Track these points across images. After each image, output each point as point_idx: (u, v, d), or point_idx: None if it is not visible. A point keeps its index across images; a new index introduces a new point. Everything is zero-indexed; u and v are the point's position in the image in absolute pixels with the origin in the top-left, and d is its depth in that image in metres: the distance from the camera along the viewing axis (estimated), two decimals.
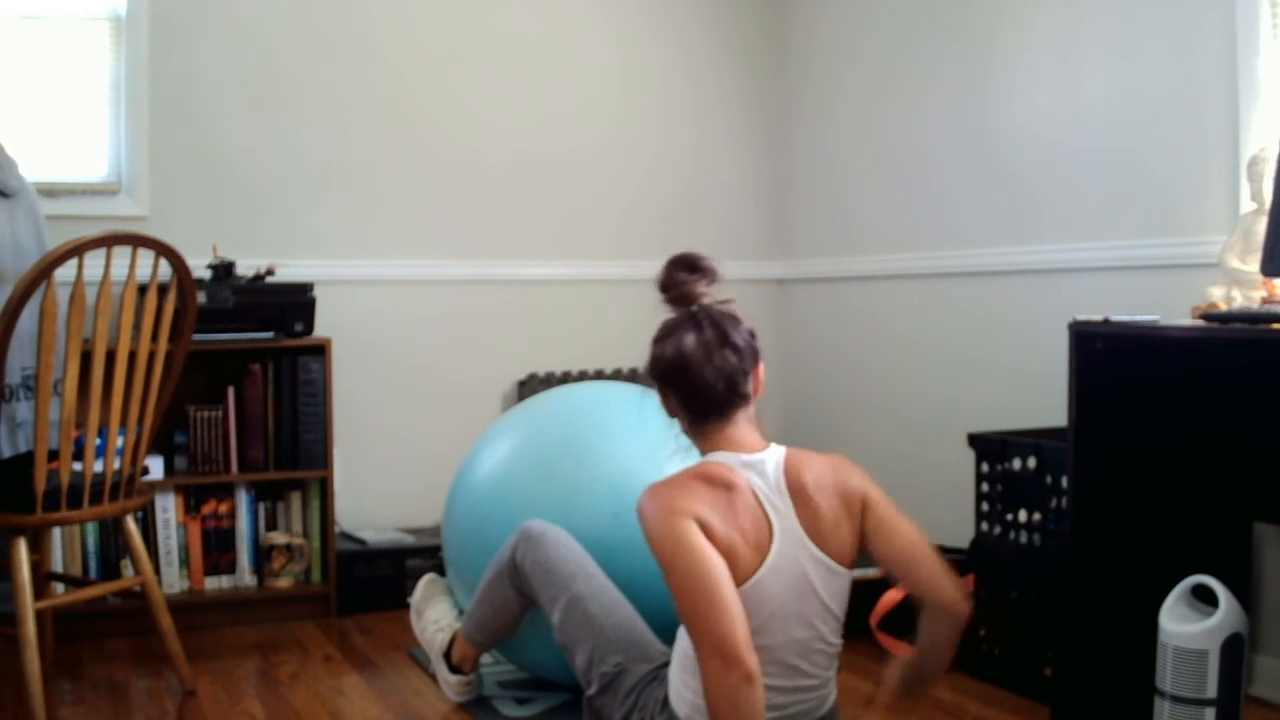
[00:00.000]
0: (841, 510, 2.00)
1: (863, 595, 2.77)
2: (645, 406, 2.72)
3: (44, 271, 2.41)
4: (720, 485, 1.95)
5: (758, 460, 2.00)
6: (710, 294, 2.08)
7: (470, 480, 2.70)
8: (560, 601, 2.30)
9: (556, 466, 2.56)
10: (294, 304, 3.37)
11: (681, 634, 2.00)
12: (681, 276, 2.07)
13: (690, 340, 2.01)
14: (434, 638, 2.70)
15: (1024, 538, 2.73)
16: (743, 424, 2.04)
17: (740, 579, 1.90)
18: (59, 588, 2.98)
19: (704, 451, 2.06)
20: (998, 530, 2.81)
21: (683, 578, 1.86)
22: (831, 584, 1.99)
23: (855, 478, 2.04)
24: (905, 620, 2.95)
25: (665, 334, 2.05)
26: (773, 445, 2.05)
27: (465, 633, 2.59)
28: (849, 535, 2.00)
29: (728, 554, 1.89)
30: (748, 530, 1.93)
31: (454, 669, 2.65)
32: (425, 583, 2.83)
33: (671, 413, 2.09)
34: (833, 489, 2.00)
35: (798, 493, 1.98)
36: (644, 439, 2.55)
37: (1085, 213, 3.11)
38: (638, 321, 4.09)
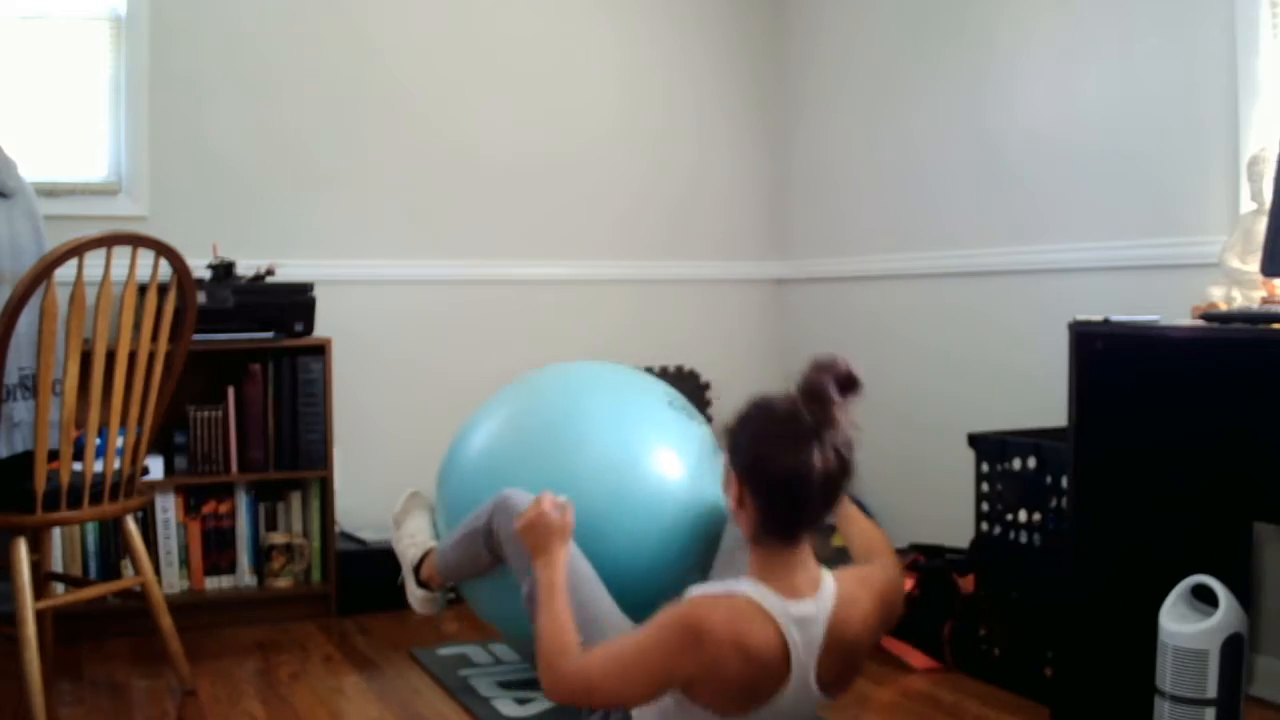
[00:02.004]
0: (877, 620, 2.01)
1: None
2: (635, 386, 2.75)
3: (44, 272, 2.41)
4: (756, 663, 1.84)
5: (806, 617, 1.88)
6: (848, 412, 1.90)
7: (459, 461, 2.71)
8: (531, 574, 2.32)
9: (544, 448, 2.56)
10: (294, 304, 3.37)
11: (662, 705, 1.95)
12: (832, 393, 1.91)
13: (816, 460, 1.83)
14: (407, 550, 2.76)
15: (1024, 538, 2.73)
16: (806, 549, 1.92)
17: (732, 711, 1.89)
18: (59, 588, 2.98)
19: (754, 567, 1.92)
20: (998, 530, 2.81)
21: (640, 666, 1.87)
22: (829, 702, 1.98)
23: (893, 590, 2.06)
24: (910, 622, 2.95)
25: (784, 435, 1.85)
26: (824, 577, 1.94)
27: (438, 566, 2.64)
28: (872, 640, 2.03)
29: (710, 701, 1.87)
30: (758, 689, 1.87)
31: (421, 584, 2.72)
32: (407, 496, 2.89)
33: (739, 504, 1.91)
34: (877, 618, 2.01)
35: (834, 644, 1.90)
36: (633, 417, 2.59)
37: (1085, 213, 3.11)
38: (638, 321, 4.12)
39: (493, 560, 2.47)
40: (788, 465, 1.83)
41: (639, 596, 2.32)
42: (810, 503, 1.85)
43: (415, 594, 2.74)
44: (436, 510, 2.81)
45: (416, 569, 2.73)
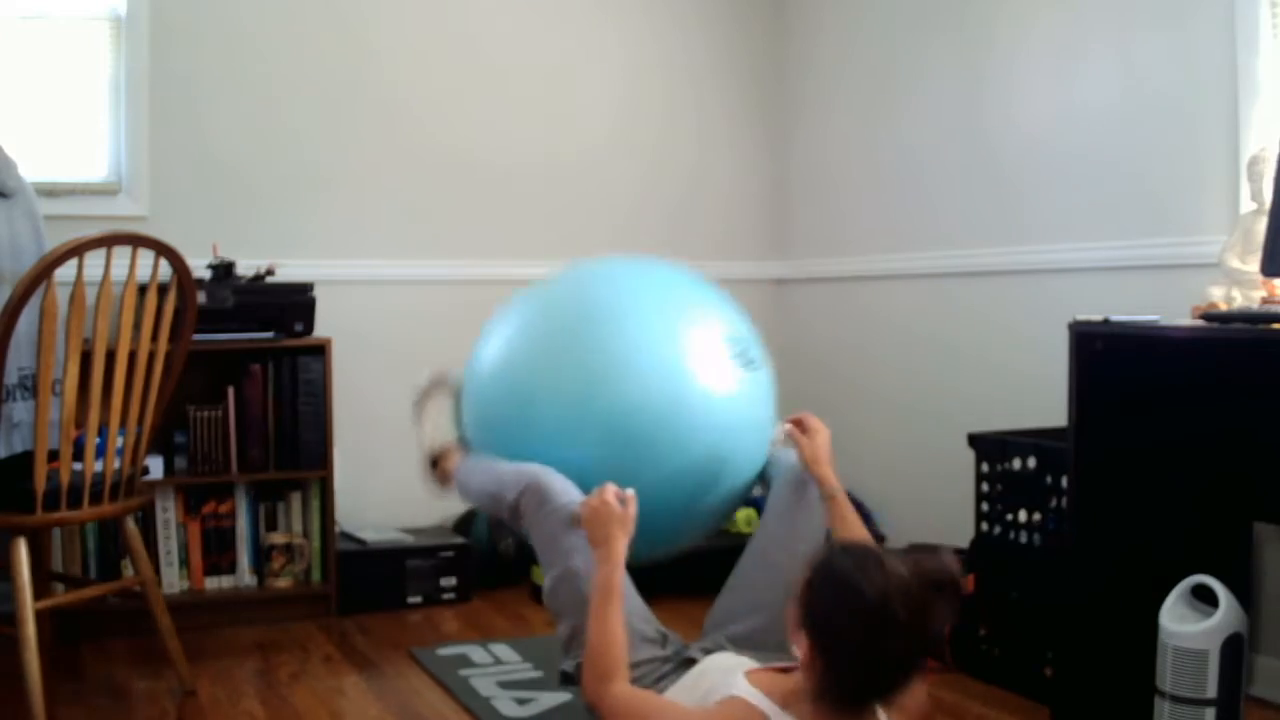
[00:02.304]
0: None
1: None
2: (658, 280, 2.54)
3: (44, 272, 2.41)
4: None
5: None
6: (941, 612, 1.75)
7: (478, 379, 2.51)
8: (555, 570, 2.28)
9: (567, 352, 2.35)
10: (294, 304, 3.37)
11: None
12: (930, 599, 1.71)
13: (898, 651, 1.69)
14: (425, 437, 2.72)
15: (1024, 538, 2.73)
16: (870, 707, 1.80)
17: None
18: (59, 588, 2.98)
19: (812, 716, 1.80)
20: (998, 530, 2.81)
21: None
22: None
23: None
24: None
25: (869, 626, 1.68)
26: None
27: (458, 490, 2.59)
28: None
29: None
30: None
31: (436, 473, 2.70)
32: (429, 379, 2.77)
33: (808, 664, 1.76)
34: None
35: None
36: (659, 313, 2.39)
37: (1085, 213, 3.11)
38: None
39: (515, 525, 2.43)
40: (868, 654, 1.70)
41: (664, 528, 2.25)
42: (885, 687, 1.74)
43: (429, 482, 2.72)
44: (461, 401, 2.64)
45: (434, 462, 2.69)
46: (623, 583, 2.10)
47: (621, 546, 2.11)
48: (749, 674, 1.94)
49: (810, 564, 1.79)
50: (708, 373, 2.35)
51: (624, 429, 2.28)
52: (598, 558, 2.12)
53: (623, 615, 2.06)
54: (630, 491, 2.18)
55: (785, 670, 1.96)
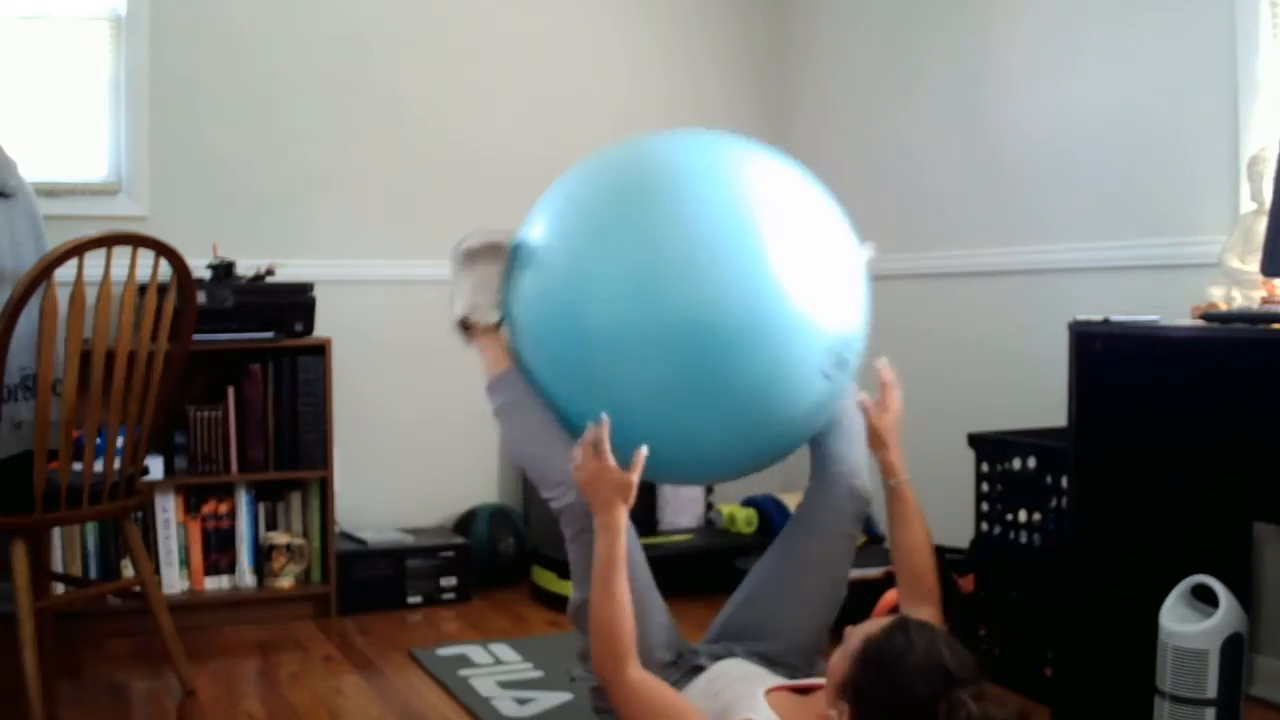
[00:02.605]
0: None
1: (863, 595, 2.77)
2: (722, 149, 2.33)
3: (44, 271, 2.41)
4: None
5: None
6: None
7: (525, 277, 2.24)
8: (585, 591, 2.14)
9: (626, 227, 2.09)
10: (294, 304, 3.37)
11: None
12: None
13: None
14: (457, 300, 2.38)
15: (1024, 538, 2.73)
16: None
17: None
18: (59, 588, 2.98)
19: None
20: (998, 530, 2.81)
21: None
22: None
23: None
24: None
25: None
26: None
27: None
28: None
29: None
30: None
31: (465, 335, 2.42)
32: (485, 243, 2.34)
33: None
34: None
35: None
36: (725, 187, 2.19)
37: (1085, 212, 3.11)
38: None
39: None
40: None
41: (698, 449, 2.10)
42: None
43: (457, 334, 2.42)
44: (511, 276, 2.31)
45: (466, 325, 2.38)
46: (625, 551, 1.97)
47: (623, 514, 1.97)
48: (769, 694, 1.90)
49: (869, 639, 1.72)
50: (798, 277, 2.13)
51: (688, 337, 2.02)
52: (597, 524, 1.97)
53: (627, 586, 1.95)
54: (642, 450, 1.99)
55: (805, 691, 1.94)
